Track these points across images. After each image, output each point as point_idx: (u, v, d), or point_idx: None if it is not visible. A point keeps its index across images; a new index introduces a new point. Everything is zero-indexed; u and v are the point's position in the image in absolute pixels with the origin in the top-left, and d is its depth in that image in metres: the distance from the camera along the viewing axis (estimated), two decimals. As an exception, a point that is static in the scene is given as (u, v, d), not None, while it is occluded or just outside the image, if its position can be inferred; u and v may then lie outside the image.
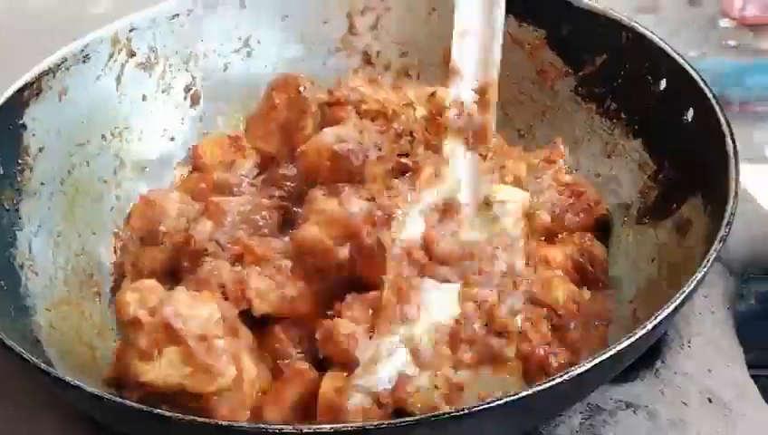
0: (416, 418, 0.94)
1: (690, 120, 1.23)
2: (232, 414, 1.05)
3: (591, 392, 1.10)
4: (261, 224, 1.22)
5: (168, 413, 0.95)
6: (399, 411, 1.04)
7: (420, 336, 1.06)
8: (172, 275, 1.21)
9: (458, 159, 1.14)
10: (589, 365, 0.94)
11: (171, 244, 1.23)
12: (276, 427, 0.94)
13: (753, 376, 1.19)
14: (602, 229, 1.29)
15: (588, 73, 1.39)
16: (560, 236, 1.26)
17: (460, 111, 1.17)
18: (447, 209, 1.13)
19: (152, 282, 1.10)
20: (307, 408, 1.06)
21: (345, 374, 1.05)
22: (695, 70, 1.25)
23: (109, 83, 1.39)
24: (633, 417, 1.11)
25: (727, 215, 1.07)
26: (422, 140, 1.25)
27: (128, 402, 0.96)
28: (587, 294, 1.19)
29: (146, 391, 1.04)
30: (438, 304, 1.09)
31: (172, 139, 1.45)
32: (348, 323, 1.07)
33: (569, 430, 1.10)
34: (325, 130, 1.23)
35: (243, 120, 1.44)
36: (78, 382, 0.97)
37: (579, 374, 0.93)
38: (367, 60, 1.53)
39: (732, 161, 1.12)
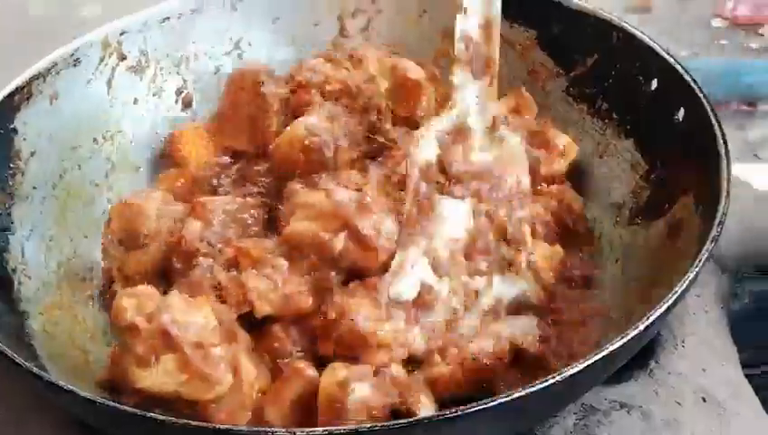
0: (409, 420, 0.94)
1: (681, 119, 1.23)
2: (232, 416, 1.05)
3: (585, 393, 1.10)
4: (250, 223, 1.22)
5: (161, 417, 0.95)
6: (396, 412, 1.04)
7: (439, 248, 1.14)
8: (163, 277, 1.21)
9: (466, 88, 1.20)
10: (582, 366, 0.94)
11: (159, 245, 1.22)
12: (270, 430, 0.94)
13: (746, 375, 1.20)
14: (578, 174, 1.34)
15: (579, 74, 1.39)
16: (538, 187, 1.30)
17: (467, 44, 1.19)
18: (459, 133, 1.19)
19: (148, 287, 1.10)
20: (307, 406, 1.06)
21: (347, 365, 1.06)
22: (685, 70, 1.25)
23: (100, 87, 1.39)
24: (627, 417, 1.11)
25: (719, 215, 1.07)
26: (388, 113, 1.29)
27: (120, 406, 0.96)
28: (560, 251, 1.25)
29: (142, 396, 1.04)
30: (454, 218, 1.16)
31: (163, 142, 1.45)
32: (357, 304, 1.09)
33: (563, 430, 1.10)
34: (295, 122, 1.24)
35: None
36: (71, 387, 0.97)
37: (572, 375, 0.93)
38: (358, 62, 1.53)
39: (723, 161, 1.13)
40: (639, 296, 1.15)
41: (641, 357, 1.14)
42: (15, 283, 1.19)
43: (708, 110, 1.19)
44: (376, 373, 1.05)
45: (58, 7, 1.87)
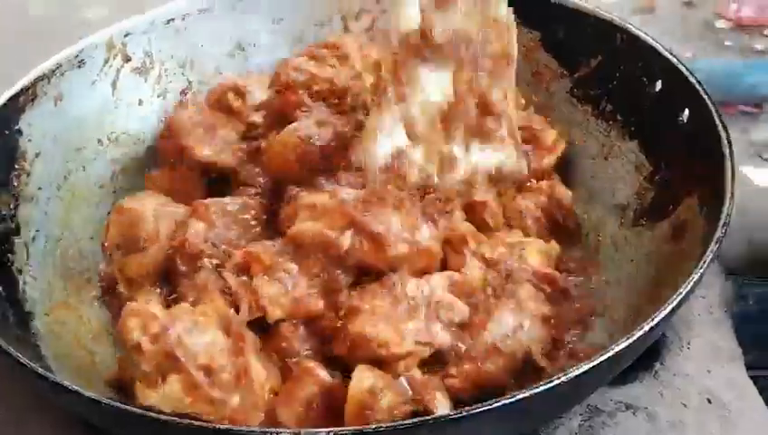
0: (414, 421, 0.94)
1: (686, 121, 1.24)
2: (245, 417, 1.05)
3: (590, 394, 1.10)
4: (252, 223, 1.22)
5: (165, 417, 0.96)
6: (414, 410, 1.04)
7: (415, 115, 1.14)
8: (165, 279, 1.22)
9: None
10: (587, 367, 0.94)
11: (160, 247, 1.22)
12: (275, 430, 0.94)
13: (751, 377, 1.19)
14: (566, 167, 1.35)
15: (583, 75, 1.39)
16: (528, 183, 1.30)
17: None
18: None
19: (153, 305, 1.10)
20: (320, 406, 1.06)
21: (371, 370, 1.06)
22: (689, 71, 1.25)
23: (104, 88, 1.40)
24: (632, 418, 1.11)
25: (724, 216, 1.07)
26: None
27: (125, 407, 0.96)
28: (556, 247, 1.24)
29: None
30: (433, 85, 1.15)
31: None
32: (373, 326, 1.07)
33: (568, 431, 1.11)
34: (285, 130, 1.23)
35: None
36: (76, 387, 0.97)
37: (577, 376, 0.93)
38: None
39: (728, 162, 1.13)
40: (644, 297, 1.15)
41: (646, 358, 1.15)
42: (21, 283, 1.20)
43: (713, 111, 1.19)
44: (396, 376, 1.05)
45: (61, 8, 1.87)
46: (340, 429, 0.93)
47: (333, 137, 1.22)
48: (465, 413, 0.91)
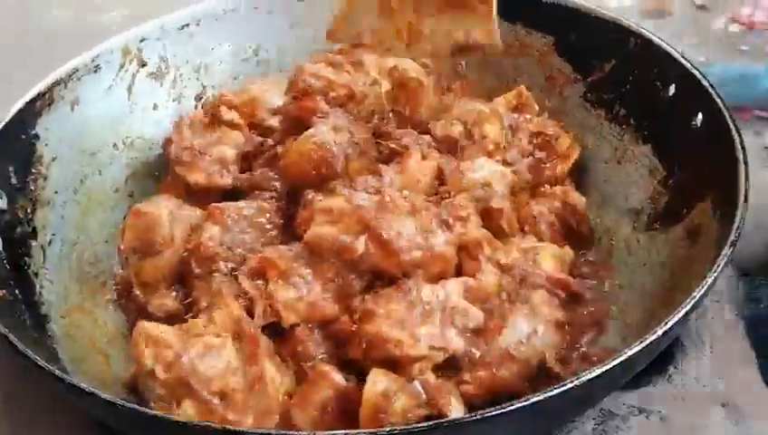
0: (429, 424, 0.94)
1: (699, 125, 1.24)
2: (259, 420, 1.05)
3: (604, 398, 1.10)
4: (268, 227, 1.23)
5: (182, 420, 0.96)
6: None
7: None
8: (180, 282, 1.22)
9: None
10: (600, 371, 0.94)
11: (175, 250, 1.22)
12: (291, 433, 0.94)
13: (765, 381, 1.19)
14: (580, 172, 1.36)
15: (596, 79, 1.40)
16: (541, 189, 1.30)
17: None
18: None
19: (165, 330, 1.09)
20: (334, 410, 1.06)
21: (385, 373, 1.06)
22: (703, 75, 1.25)
23: (120, 93, 1.41)
24: (646, 422, 1.12)
25: (737, 219, 1.07)
26: (392, 115, 1.30)
27: (142, 409, 0.97)
28: (570, 252, 1.24)
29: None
30: None
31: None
32: (389, 327, 1.08)
33: (581, 435, 1.11)
34: (302, 137, 1.24)
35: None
36: (92, 389, 0.98)
37: (590, 380, 0.94)
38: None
39: (741, 166, 1.13)
40: (658, 301, 1.15)
41: (660, 362, 1.14)
42: (37, 286, 1.21)
43: (726, 115, 1.19)
44: (410, 380, 1.05)
45: (79, 15, 1.88)
46: (355, 431, 0.93)
47: (350, 144, 1.23)
48: (479, 416, 0.91)
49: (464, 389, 1.08)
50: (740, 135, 1.16)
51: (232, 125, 1.37)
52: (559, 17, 1.42)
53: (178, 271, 1.22)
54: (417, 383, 1.05)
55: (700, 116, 1.23)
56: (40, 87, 1.30)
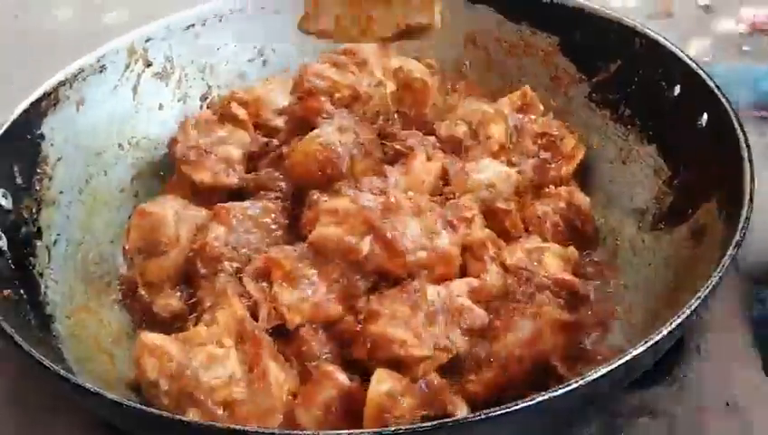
0: (433, 423, 0.94)
1: (704, 125, 1.23)
2: (263, 419, 1.05)
3: (608, 398, 1.10)
4: (273, 227, 1.23)
5: (187, 419, 0.96)
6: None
7: None
8: (185, 282, 1.23)
9: None
10: (605, 371, 0.94)
11: (181, 250, 1.22)
12: (295, 433, 0.94)
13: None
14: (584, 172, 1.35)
15: (601, 80, 1.40)
16: (546, 190, 1.30)
17: None
18: None
19: (167, 341, 1.09)
20: (338, 409, 1.06)
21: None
22: (708, 75, 1.25)
23: (125, 93, 1.41)
24: (650, 422, 1.11)
25: (742, 220, 1.07)
26: (396, 116, 1.31)
27: (147, 409, 0.97)
28: (575, 252, 1.24)
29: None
30: None
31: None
32: (393, 328, 1.08)
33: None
34: (307, 138, 1.24)
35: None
36: (98, 389, 0.98)
37: (595, 380, 0.94)
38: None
39: (747, 166, 1.13)
40: (662, 301, 1.15)
41: (664, 362, 1.14)
42: (42, 287, 1.21)
43: (731, 115, 1.19)
44: (414, 380, 1.05)
45: (83, 13, 1.88)
46: (358, 431, 0.93)
47: (356, 144, 1.23)
48: (483, 416, 0.91)
49: (468, 389, 1.08)
50: (745, 135, 1.16)
51: (240, 122, 1.37)
52: (564, 17, 1.42)
53: (183, 271, 1.23)
54: (421, 383, 1.05)
55: (705, 116, 1.23)
56: (45, 87, 1.31)
